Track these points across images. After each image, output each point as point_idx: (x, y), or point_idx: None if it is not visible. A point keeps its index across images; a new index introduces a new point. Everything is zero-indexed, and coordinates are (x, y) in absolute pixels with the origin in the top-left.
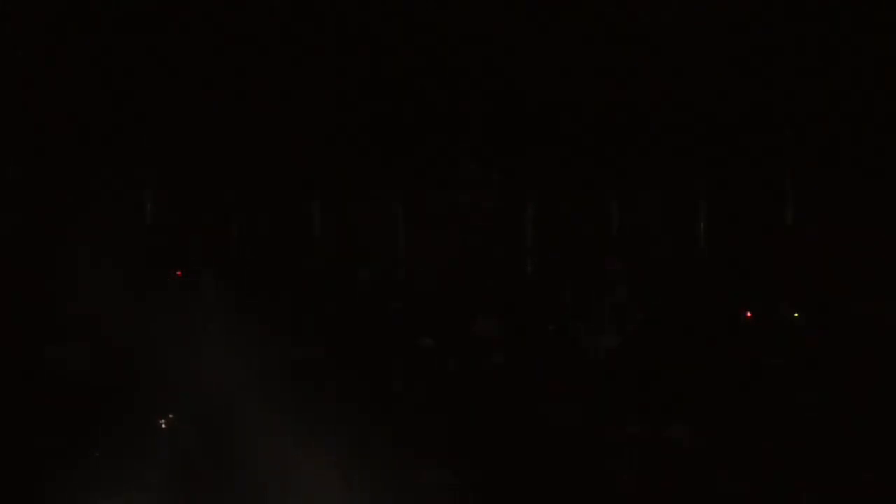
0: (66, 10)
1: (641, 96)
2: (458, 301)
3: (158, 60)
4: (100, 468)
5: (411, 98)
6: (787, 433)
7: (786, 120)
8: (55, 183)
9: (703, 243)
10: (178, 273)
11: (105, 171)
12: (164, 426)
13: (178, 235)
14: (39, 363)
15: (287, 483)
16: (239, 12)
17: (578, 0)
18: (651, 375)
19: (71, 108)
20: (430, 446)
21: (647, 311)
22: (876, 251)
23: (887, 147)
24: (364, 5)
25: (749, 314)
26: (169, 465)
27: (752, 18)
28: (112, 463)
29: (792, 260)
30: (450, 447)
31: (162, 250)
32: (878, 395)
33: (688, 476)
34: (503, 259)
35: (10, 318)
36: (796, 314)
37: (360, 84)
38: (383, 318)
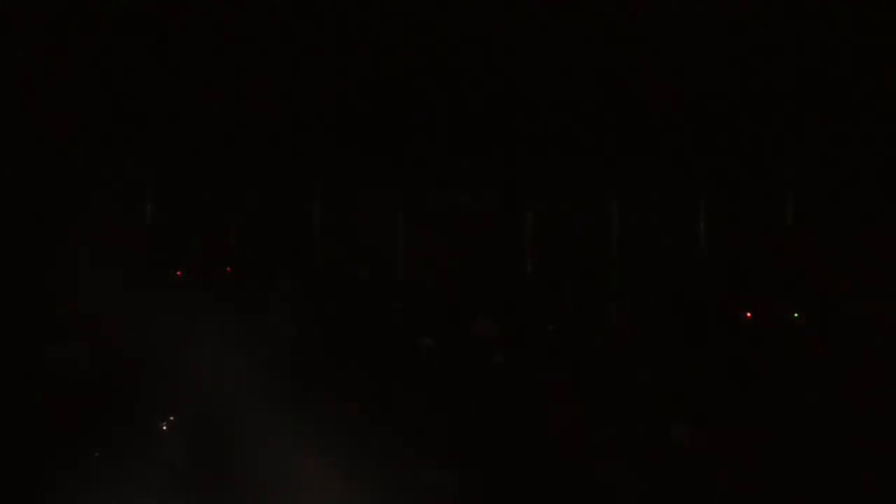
0: (66, 10)
1: (642, 97)
2: (459, 301)
3: (158, 60)
4: (100, 468)
5: (411, 98)
6: (787, 433)
7: (785, 121)
8: (55, 183)
9: (703, 243)
10: (178, 273)
11: (105, 172)
12: (164, 427)
13: (178, 235)
14: (39, 363)
15: (287, 483)
16: (239, 12)
17: (578, 0)
18: (652, 375)
19: (71, 109)
20: (430, 446)
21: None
22: (876, 251)
23: (887, 147)
24: (364, 5)
25: (749, 314)
26: (169, 466)
27: (753, 18)
28: (112, 463)
29: (792, 260)
30: (450, 447)
31: (162, 250)
32: (878, 395)
33: (688, 476)
34: (503, 259)
35: (10, 318)
36: (796, 314)
37: (360, 84)
38: (383, 318)
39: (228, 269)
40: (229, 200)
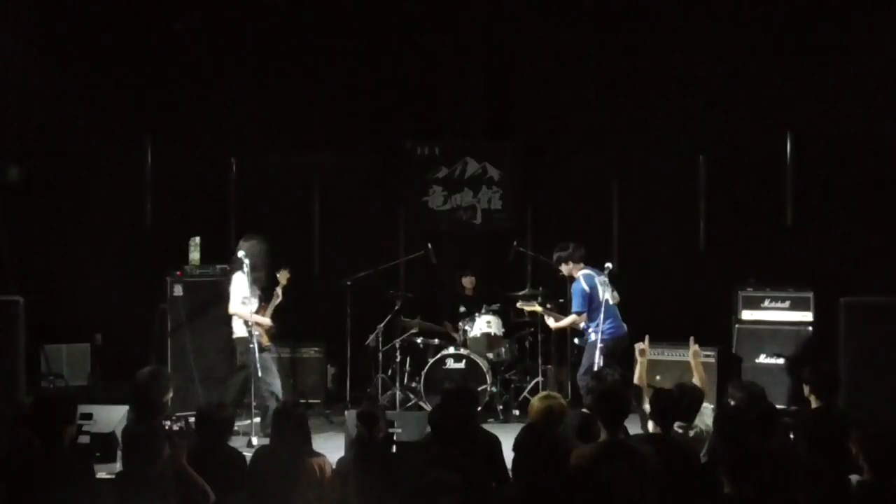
0: (66, 10)
1: (641, 94)
2: (459, 300)
3: (158, 60)
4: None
5: (410, 93)
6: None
7: (785, 119)
8: (55, 183)
9: (702, 244)
10: (179, 273)
11: (105, 171)
12: (165, 427)
13: (178, 236)
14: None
15: (287, 483)
16: (237, 12)
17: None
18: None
19: (71, 108)
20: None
21: None
22: (875, 251)
23: (888, 147)
24: (365, 9)
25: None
26: (171, 466)
27: (754, 16)
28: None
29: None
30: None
31: (162, 250)
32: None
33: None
34: (504, 258)
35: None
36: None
37: (359, 84)
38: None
39: (227, 267)
40: (228, 200)
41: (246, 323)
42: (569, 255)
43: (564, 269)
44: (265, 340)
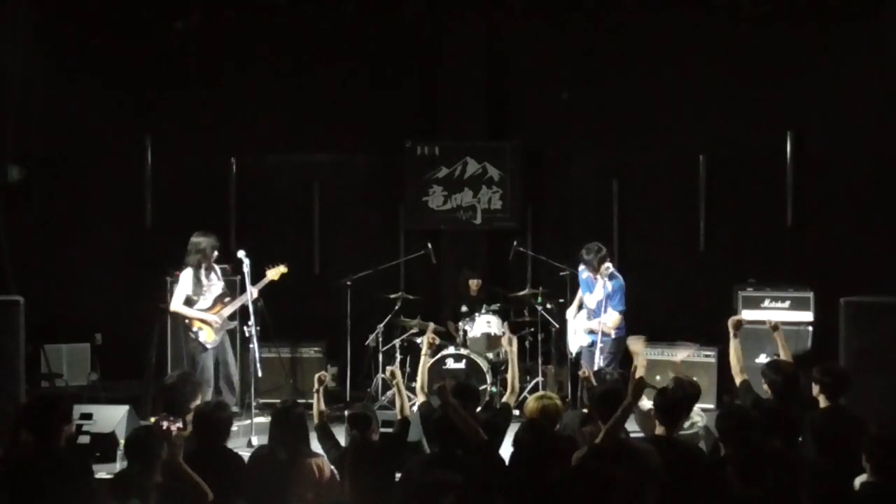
0: (66, 10)
1: (641, 94)
2: (462, 300)
3: (158, 60)
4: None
5: (410, 93)
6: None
7: (785, 119)
8: (55, 183)
9: (702, 244)
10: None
11: (105, 171)
12: (162, 427)
13: (178, 236)
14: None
15: (285, 483)
16: (237, 12)
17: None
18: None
19: (71, 109)
20: (431, 445)
21: None
22: (875, 251)
23: (888, 147)
24: (365, 9)
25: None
26: (171, 467)
27: (754, 16)
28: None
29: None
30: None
31: (162, 250)
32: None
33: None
34: (504, 258)
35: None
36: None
37: (359, 84)
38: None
39: (228, 268)
40: (228, 200)
41: (189, 323)
42: (601, 253)
43: (604, 267)
44: (210, 338)
